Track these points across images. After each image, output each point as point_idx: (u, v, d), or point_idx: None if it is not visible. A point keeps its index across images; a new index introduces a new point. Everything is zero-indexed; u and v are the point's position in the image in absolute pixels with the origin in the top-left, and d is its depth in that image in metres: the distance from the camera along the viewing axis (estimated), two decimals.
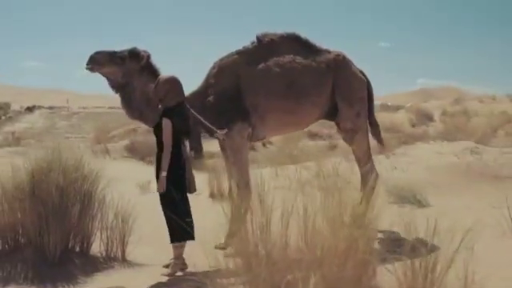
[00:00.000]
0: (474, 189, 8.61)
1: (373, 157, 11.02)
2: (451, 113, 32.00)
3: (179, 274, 5.68)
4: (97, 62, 6.29)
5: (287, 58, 6.56)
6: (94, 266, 6.02)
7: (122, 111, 6.58)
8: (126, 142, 19.38)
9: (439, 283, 3.47)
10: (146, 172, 10.84)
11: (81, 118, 50.57)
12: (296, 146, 15.59)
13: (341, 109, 6.76)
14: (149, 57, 6.40)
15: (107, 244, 6.23)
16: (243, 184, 6.35)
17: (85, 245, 6.21)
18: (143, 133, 26.32)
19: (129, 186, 10.24)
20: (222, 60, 6.64)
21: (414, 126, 25.96)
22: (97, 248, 6.25)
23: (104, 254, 6.22)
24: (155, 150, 5.85)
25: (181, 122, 5.78)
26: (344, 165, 10.17)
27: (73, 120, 50.50)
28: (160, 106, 5.94)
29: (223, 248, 6.58)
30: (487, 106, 34.45)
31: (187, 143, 5.91)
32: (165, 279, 5.57)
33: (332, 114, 6.83)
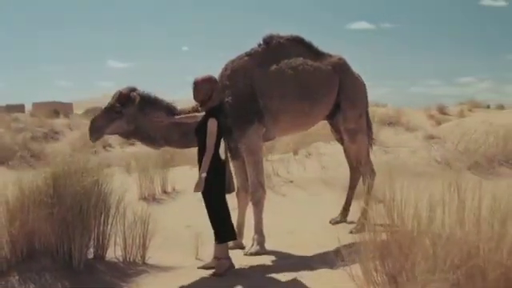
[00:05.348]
0: (411, 185, 9.39)
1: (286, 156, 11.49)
2: None
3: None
4: (97, 129, 6.17)
5: (298, 60, 6.77)
6: (120, 271, 5.88)
7: None
8: None
9: None
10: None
11: None
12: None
13: (345, 110, 7.12)
14: (139, 94, 6.23)
15: (125, 249, 6.08)
16: (258, 183, 6.49)
17: (102, 250, 6.00)
18: None
19: None
20: (233, 62, 6.66)
21: None
22: (114, 253, 6.08)
23: (123, 258, 6.07)
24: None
25: (224, 121, 5.78)
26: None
27: None
28: (200, 108, 5.88)
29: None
30: None
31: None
32: (218, 280, 5.57)
33: (331, 115, 7.19)
